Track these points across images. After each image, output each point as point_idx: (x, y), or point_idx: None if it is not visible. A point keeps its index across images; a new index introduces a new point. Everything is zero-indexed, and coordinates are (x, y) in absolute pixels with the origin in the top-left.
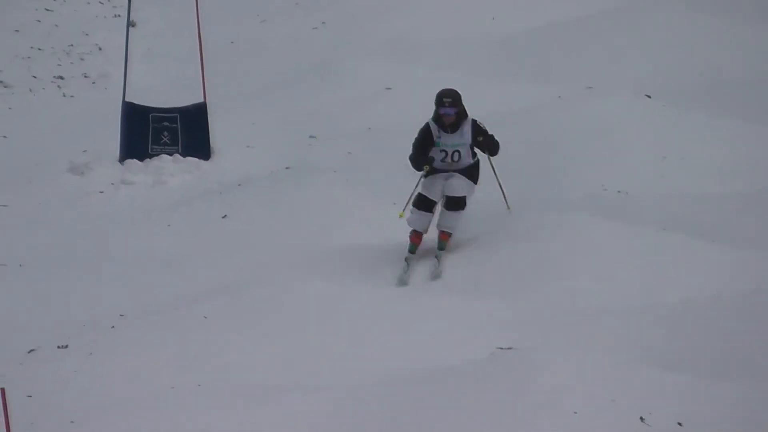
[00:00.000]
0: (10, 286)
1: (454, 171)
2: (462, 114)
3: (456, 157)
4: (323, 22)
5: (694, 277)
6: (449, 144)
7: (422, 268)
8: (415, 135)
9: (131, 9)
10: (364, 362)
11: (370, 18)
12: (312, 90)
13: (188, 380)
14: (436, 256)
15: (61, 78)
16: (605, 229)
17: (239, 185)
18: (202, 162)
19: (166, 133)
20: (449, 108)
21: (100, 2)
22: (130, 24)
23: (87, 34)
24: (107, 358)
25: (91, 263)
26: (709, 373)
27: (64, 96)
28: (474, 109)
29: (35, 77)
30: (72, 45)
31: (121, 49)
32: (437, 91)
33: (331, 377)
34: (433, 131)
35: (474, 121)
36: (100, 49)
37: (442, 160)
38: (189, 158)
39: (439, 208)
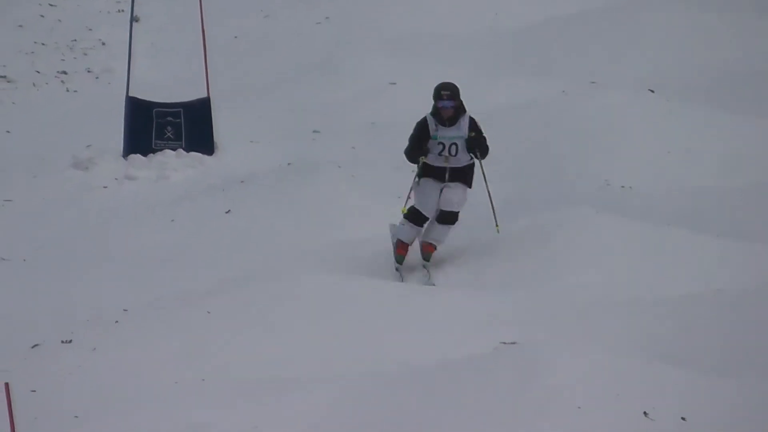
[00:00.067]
0: (14, 281)
1: (452, 167)
2: (460, 108)
3: (454, 150)
4: (327, 18)
5: (699, 272)
6: (447, 136)
7: (418, 275)
8: (412, 130)
9: (135, 4)
10: (368, 358)
11: (374, 13)
12: (316, 85)
13: (192, 375)
14: (425, 266)
15: (65, 73)
16: (609, 224)
17: (242, 182)
18: (205, 157)
19: (169, 128)
20: (447, 101)
21: None
22: (133, 19)
23: (90, 29)
24: (111, 353)
25: (94, 258)
26: (713, 368)
27: (68, 91)
28: (478, 105)
29: (39, 72)
30: (75, 40)
31: (125, 44)
32: (435, 85)
33: (334, 373)
34: (430, 125)
35: (471, 118)
36: (103, 44)
37: (440, 153)
38: (192, 153)
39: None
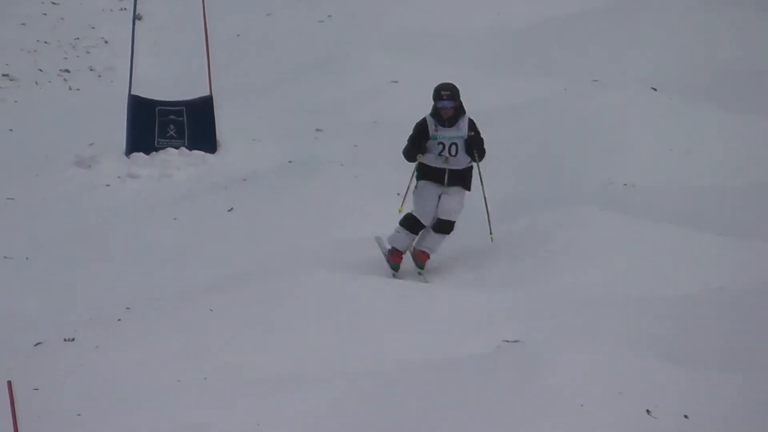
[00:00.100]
0: (17, 279)
1: (451, 169)
2: (460, 109)
3: (454, 151)
4: (329, 16)
5: (700, 271)
6: (447, 136)
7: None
8: (412, 131)
9: (137, 2)
10: (369, 357)
11: (376, 11)
12: (318, 83)
13: (193, 374)
14: (420, 274)
15: (67, 71)
16: (610, 223)
17: (244, 180)
18: (208, 155)
19: (172, 127)
20: (447, 101)
21: None
22: (136, 17)
23: (93, 28)
24: (113, 351)
25: (97, 256)
26: (715, 366)
27: (70, 89)
28: (479, 104)
29: (41, 70)
30: (78, 38)
31: (127, 42)
32: (435, 85)
33: (335, 372)
34: (429, 126)
35: (470, 119)
36: (106, 42)
37: (440, 154)
38: (195, 151)
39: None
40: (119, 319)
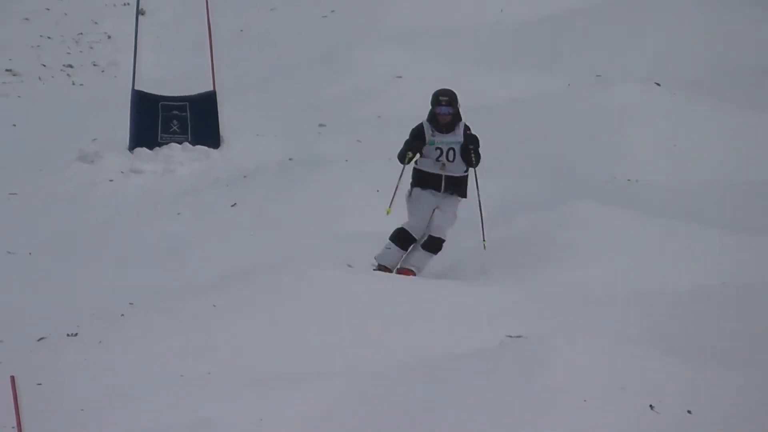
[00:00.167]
0: (20, 274)
1: (448, 176)
2: (457, 116)
3: (451, 156)
4: (332, 11)
5: (705, 265)
6: (444, 141)
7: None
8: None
9: None
10: (373, 352)
11: (380, 7)
12: (322, 78)
13: (198, 368)
14: None
15: (71, 66)
16: (615, 218)
17: (244, 177)
18: (211, 150)
19: (175, 122)
20: (446, 107)
21: None
22: (139, 12)
23: (96, 23)
24: (117, 347)
25: (100, 252)
26: (719, 361)
27: (74, 84)
28: (483, 99)
29: (44, 65)
30: (81, 33)
31: (131, 37)
32: (433, 91)
33: (339, 367)
34: (426, 131)
35: (466, 125)
36: (109, 37)
37: (437, 159)
38: (198, 147)
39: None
40: (122, 315)
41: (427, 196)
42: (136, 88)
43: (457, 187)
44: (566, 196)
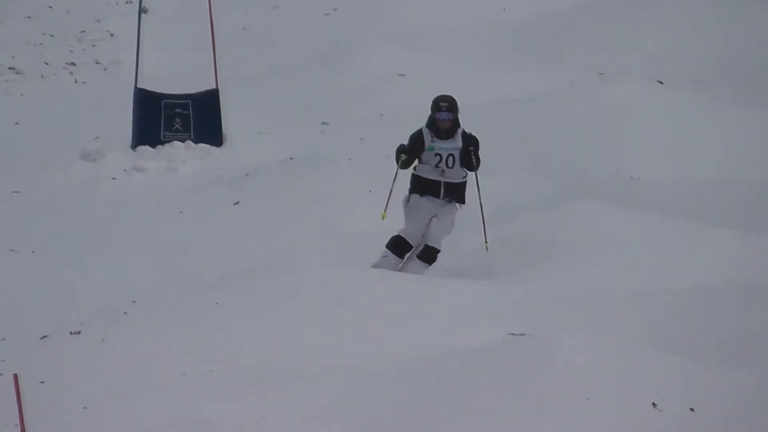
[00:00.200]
0: (23, 272)
1: (447, 182)
2: (456, 122)
3: (450, 162)
4: (335, 9)
5: (706, 264)
6: (444, 148)
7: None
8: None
9: None
10: (375, 349)
11: (382, 4)
12: (324, 76)
13: (200, 366)
14: None
15: (73, 64)
16: (617, 216)
17: (246, 175)
18: (214, 149)
19: (178, 120)
20: (446, 112)
21: None
22: (141, 10)
23: (99, 21)
24: (120, 345)
25: (103, 249)
26: (721, 359)
27: (76, 82)
28: (485, 97)
29: (47, 64)
30: (84, 31)
31: (133, 35)
32: (433, 97)
33: (342, 364)
34: (425, 137)
35: (464, 131)
36: (111, 35)
37: (437, 165)
38: (201, 145)
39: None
40: (125, 313)
41: (425, 203)
42: (138, 86)
43: (456, 193)
44: (567, 195)
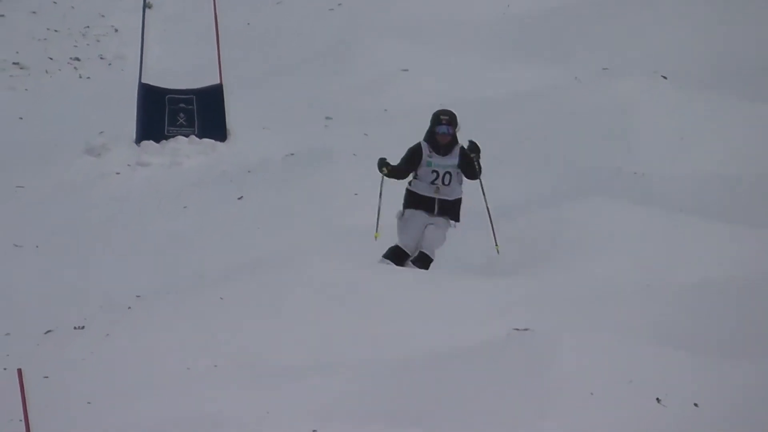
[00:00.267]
0: (27, 267)
1: (441, 199)
2: (455, 138)
3: (447, 180)
4: (339, 4)
5: (711, 258)
6: (441, 164)
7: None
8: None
9: None
10: (381, 343)
11: (387, 0)
12: (328, 72)
13: (204, 361)
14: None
15: (78, 59)
16: (621, 211)
17: (249, 171)
18: (218, 143)
19: (182, 115)
20: (446, 126)
21: None
22: (146, 5)
23: (103, 16)
24: (124, 339)
25: (107, 244)
26: (725, 353)
27: (81, 77)
28: (490, 92)
29: (51, 59)
30: (88, 26)
31: (137, 30)
32: (433, 111)
33: (346, 359)
34: (424, 150)
35: (462, 147)
36: (116, 30)
37: (432, 182)
38: (205, 140)
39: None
40: (129, 307)
41: (419, 214)
42: (142, 81)
43: (450, 211)
44: (570, 190)
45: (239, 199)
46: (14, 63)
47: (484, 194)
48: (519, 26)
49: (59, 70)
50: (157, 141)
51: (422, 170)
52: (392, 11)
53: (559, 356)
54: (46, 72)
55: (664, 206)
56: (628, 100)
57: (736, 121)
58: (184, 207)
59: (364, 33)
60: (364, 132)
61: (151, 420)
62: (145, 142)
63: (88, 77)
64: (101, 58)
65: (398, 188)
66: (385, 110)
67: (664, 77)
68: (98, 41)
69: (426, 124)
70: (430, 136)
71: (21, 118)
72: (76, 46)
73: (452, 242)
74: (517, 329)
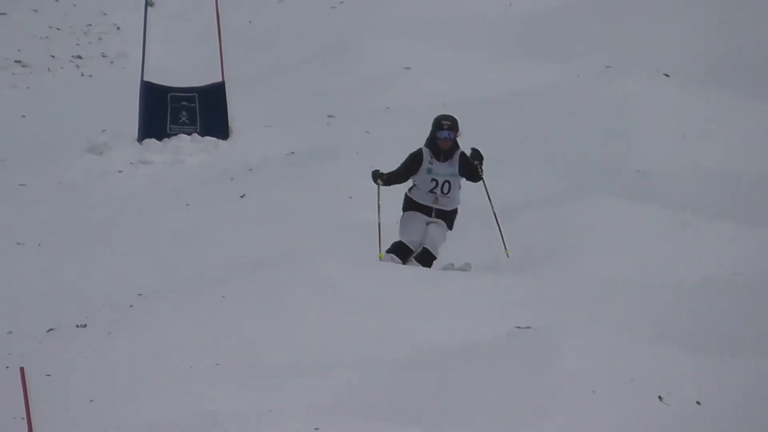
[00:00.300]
0: (29, 265)
1: (438, 209)
2: (456, 144)
3: (446, 189)
4: (341, 2)
5: (713, 256)
6: (441, 173)
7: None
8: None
9: None
10: (382, 342)
11: None
12: (330, 70)
13: (206, 359)
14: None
15: (80, 58)
16: (624, 209)
17: (250, 169)
18: (220, 142)
19: (184, 113)
20: (447, 131)
21: None
22: (148, 3)
23: (105, 14)
24: (126, 338)
25: (109, 242)
26: (727, 352)
27: (83, 76)
28: (492, 90)
29: (53, 57)
30: (90, 25)
31: (139, 28)
32: (435, 116)
33: (348, 357)
34: (425, 157)
35: (462, 152)
36: (118, 28)
37: (431, 191)
38: (207, 138)
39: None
40: (131, 306)
41: (419, 215)
42: (145, 79)
43: (446, 219)
44: (573, 188)
45: (241, 197)
46: (16, 61)
47: (490, 200)
48: (520, 25)
49: (61, 68)
50: (159, 139)
51: (421, 177)
52: (394, 10)
53: (561, 355)
54: (48, 70)
55: (665, 205)
56: (630, 99)
57: (737, 120)
58: (186, 205)
59: (366, 32)
60: (365, 130)
61: (153, 418)
62: (147, 141)
63: (90, 75)
64: (103, 56)
65: (398, 198)
66: (387, 108)
67: (666, 75)
68: (100, 39)
69: (427, 123)
70: (431, 142)
71: (23, 117)
72: (78, 45)
73: (452, 242)
74: (519, 327)
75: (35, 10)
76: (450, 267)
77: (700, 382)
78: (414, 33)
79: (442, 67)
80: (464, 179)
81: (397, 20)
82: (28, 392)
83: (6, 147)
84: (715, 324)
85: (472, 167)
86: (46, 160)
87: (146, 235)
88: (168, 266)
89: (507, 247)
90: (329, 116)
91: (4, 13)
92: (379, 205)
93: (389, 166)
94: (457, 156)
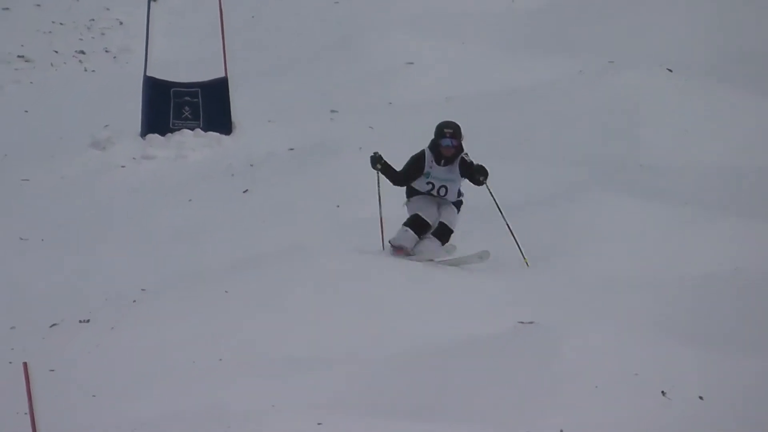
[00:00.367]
0: (33, 260)
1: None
2: (460, 148)
3: (443, 192)
4: None
5: (716, 252)
6: (438, 177)
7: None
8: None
9: None
10: (385, 337)
11: None
12: (333, 64)
13: (209, 354)
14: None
15: (83, 53)
16: (627, 204)
17: (252, 165)
18: (223, 137)
19: (187, 108)
20: (450, 139)
21: None
22: None
23: (108, 9)
24: (129, 333)
25: (112, 238)
26: (730, 347)
27: (86, 71)
28: (495, 85)
29: (56, 52)
30: (93, 19)
31: (143, 23)
32: (437, 123)
33: (351, 351)
34: (426, 160)
35: (462, 157)
36: (121, 23)
37: (428, 192)
38: (210, 133)
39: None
40: (134, 301)
41: (428, 197)
42: (148, 74)
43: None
44: (576, 183)
45: (244, 192)
46: (19, 56)
47: (499, 208)
48: (523, 21)
49: (64, 63)
50: (163, 134)
51: (419, 180)
52: (397, 4)
53: (564, 349)
54: (52, 65)
55: (668, 200)
56: (632, 95)
57: (741, 115)
58: (189, 200)
59: (369, 26)
60: (369, 125)
61: (155, 413)
62: (150, 136)
63: (93, 70)
64: (106, 51)
65: (398, 190)
66: (390, 103)
67: (670, 70)
68: (103, 34)
69: (431, 118)
70: (434, 146)
71: (26, 111)
72: (81, 39)
73: (453, 241)
74: (523, 322)
75: (38, 5)
76: (452, 249)
77: (704, 377)
78: (417, 28)
79: (445, 61)
80: (466, 180)
81: (399, 15)
82: (31, 387)
83: (9, 142)
84: (717, 320)
85: (472, 170)
86: (49, 156)
87: (149, 230)
88: (171, 262)
89: (525, 257)
90: (332, 111)
91: (7, 8)
92: (379, 194)
93: (392, 161)
94: (457, 161)
